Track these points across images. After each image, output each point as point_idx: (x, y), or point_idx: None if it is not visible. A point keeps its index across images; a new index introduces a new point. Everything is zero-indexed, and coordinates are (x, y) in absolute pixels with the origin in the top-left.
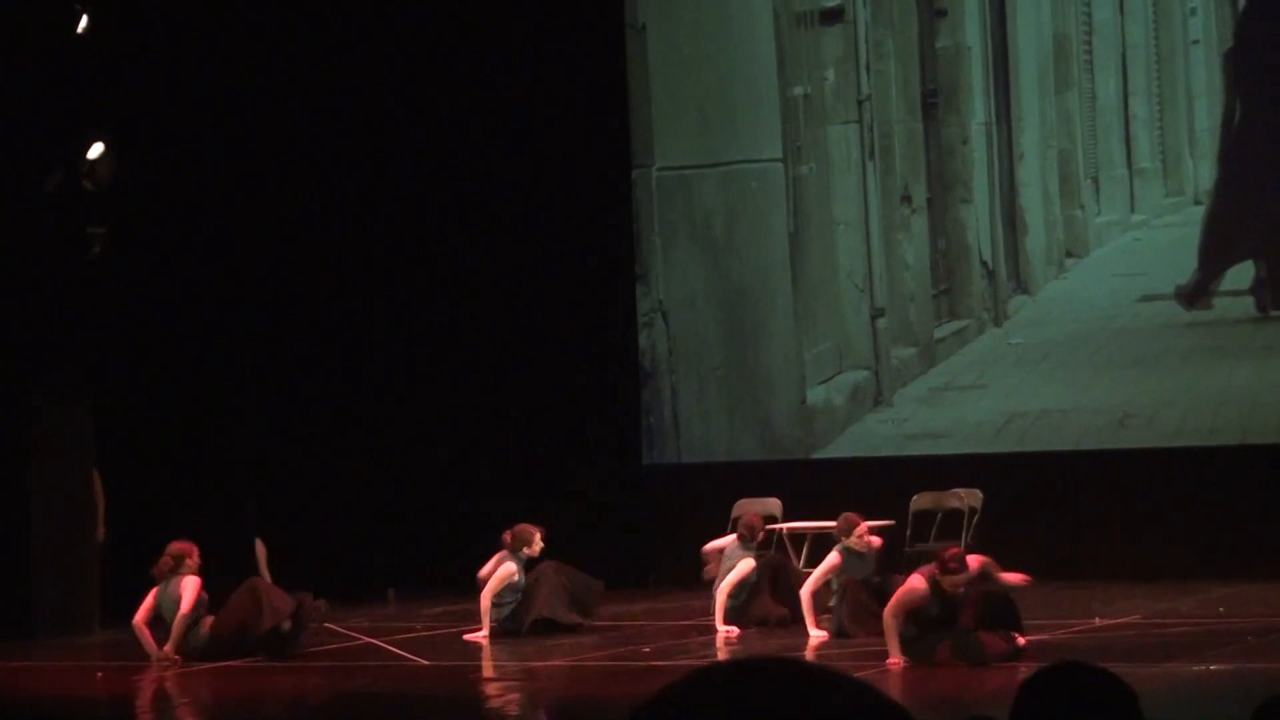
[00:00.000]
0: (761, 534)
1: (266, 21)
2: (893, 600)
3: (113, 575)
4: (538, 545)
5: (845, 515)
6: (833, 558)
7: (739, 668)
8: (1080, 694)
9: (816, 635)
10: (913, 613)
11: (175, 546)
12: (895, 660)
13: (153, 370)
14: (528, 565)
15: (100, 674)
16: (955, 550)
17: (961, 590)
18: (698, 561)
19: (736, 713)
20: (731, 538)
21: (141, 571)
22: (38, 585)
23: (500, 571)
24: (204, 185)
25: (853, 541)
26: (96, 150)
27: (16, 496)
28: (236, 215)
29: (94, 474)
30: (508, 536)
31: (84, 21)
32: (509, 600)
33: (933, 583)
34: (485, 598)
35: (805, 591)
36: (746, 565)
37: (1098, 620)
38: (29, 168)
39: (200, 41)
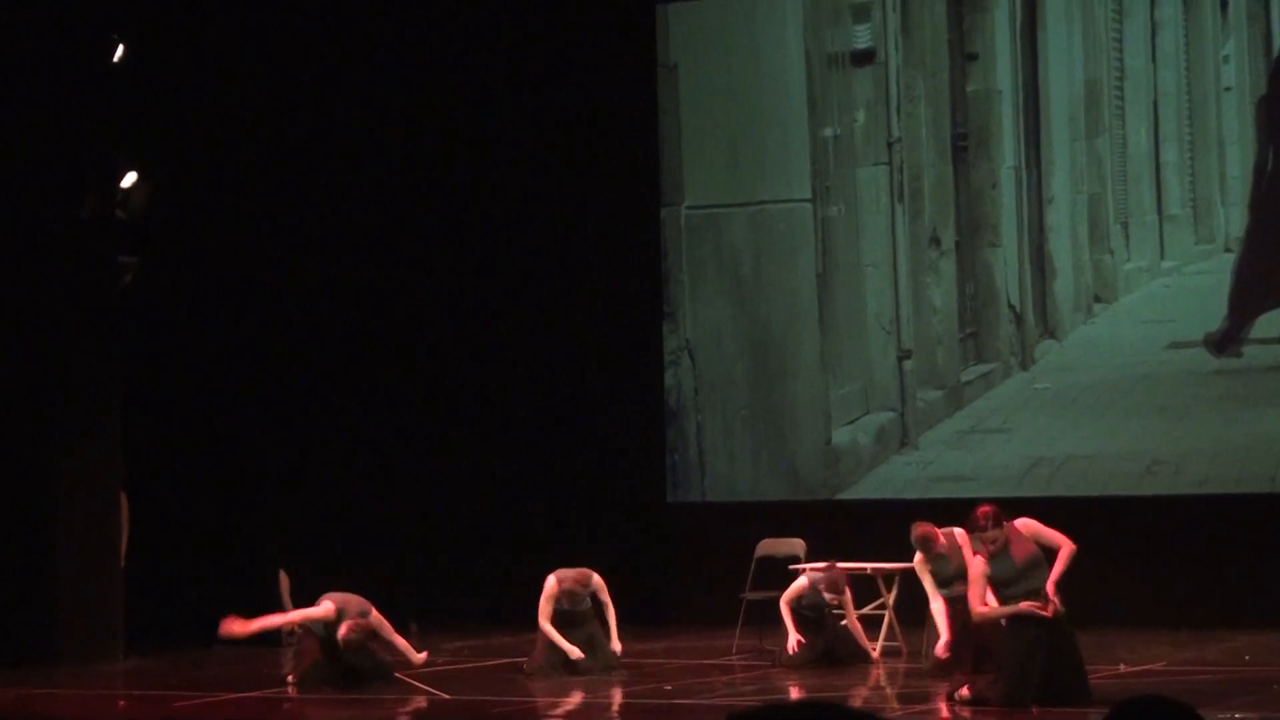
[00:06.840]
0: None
1: (300, 54)
2: (975, 589)
3: (135, 602)
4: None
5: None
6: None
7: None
8: None
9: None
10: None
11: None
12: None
13: (181, 398)
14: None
15: (123, 702)
16: (985, 509)
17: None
18: (720, 599)
19: None
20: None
21: (164, 599)
22: (62, 611)
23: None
24: (236, 215)
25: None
26: (130, 179)
27: (43, 522)
28: (268, 245)
29: (121, 500)
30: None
31: (120, 51)
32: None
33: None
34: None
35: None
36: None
37: (1122, 667)
38: (62, 195)
39: (235, 71)
